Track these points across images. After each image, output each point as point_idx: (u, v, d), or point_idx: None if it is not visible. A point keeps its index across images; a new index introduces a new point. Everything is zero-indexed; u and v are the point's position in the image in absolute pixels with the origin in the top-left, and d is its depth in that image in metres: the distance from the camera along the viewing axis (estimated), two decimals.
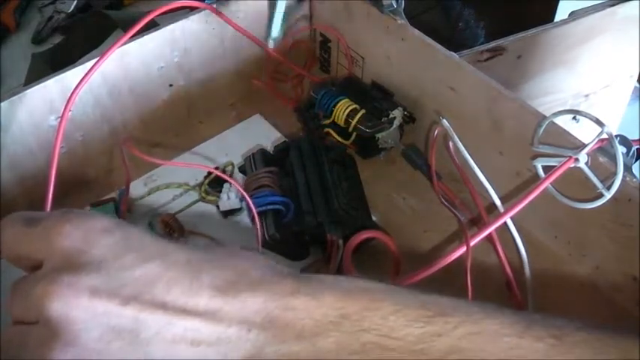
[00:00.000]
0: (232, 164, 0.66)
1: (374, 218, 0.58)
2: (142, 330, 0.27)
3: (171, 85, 0.66)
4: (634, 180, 0.47)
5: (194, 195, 0.65)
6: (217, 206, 0.62)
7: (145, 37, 0.60)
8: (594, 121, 0.47)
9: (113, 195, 0.64)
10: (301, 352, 0.28)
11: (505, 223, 0.53)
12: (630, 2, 0.71)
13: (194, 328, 0.27)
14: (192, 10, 0.63)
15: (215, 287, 0.28)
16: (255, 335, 0.28)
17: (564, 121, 0.50)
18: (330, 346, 0.27)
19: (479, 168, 0.56)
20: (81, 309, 0.27)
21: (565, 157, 0.49)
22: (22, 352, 0.28)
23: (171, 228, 0.62)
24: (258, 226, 0.55)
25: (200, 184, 0.64)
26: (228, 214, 0.62)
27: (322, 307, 0.28)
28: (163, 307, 0.27)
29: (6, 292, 0.30)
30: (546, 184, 0.50)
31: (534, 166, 0.52)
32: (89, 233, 0.29)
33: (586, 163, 0.48)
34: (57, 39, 0.90)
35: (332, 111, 0.62)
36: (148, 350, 0.27)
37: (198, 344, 0.27)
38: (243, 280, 0.29)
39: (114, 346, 0.27)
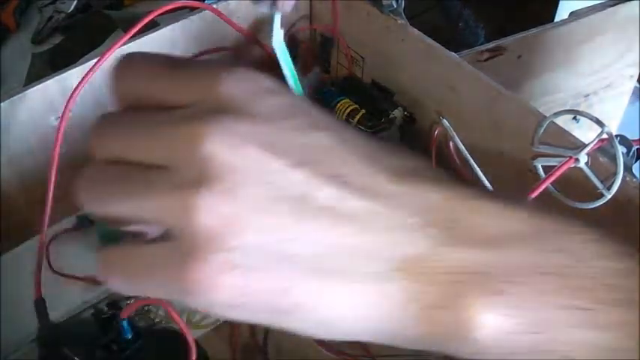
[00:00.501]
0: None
1: None
2: (311, 200, 0.23)
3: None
4: (634, 180, 0.47)
5: None
6: None
7: (145, 37, 0.60)
8: (594, 121, 0.47)
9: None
10: (483, 262, 0.24)
11: None
12: (630, 2, 0.71)
13: (369, 210, 0.24)
14: (192, 10, 0.63)
15: (394, 171, 0.25)
16: (435, 232, 0.24)
17: (564, 121, 0.50)
18: (519, 260, 0.24)
19: (479, 168, 0.56)
20: (247, 158, 0.23)
21: (565, 157, 0.49)
22: (140, 194, 0.24)
23: None
24: None
25: None
26: None
27: (513, 218, 0.25)
28: (338, 179, 0.24)
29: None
30: (546, 184, 0.50)
31: (534, 166, 0.52)
32: (256, 87, 0.25)
33: (586, 163, 0.48)
34: (57, 39, 0.90)
35: (332, 111, 0.62)
36: (313, 220, 0.23)
37: (375, 229, 0.24)
38: (423, 171, 0.25)
39: (275, 209, 0.23)
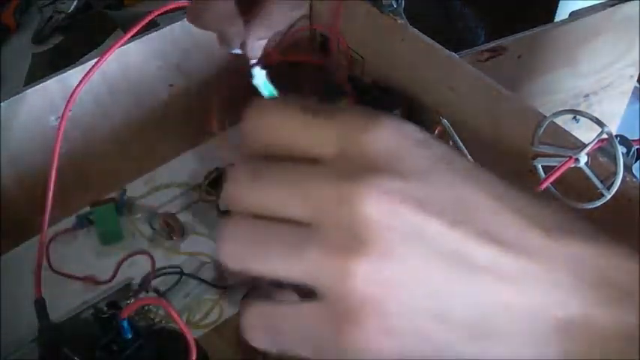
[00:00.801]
0: (232, 164, 0.66)
1: None
2: (468, 260, 0.23)
3: (171, 85, 0.66)
4: (634, 180, 0.47)
5: (194, 195, 0.65)
6: (217, 206, 0.62)
7: (145, 37, 0.60)
8: (594, 121, 0.47)
9: (113, 195, 0.64)
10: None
11: None
12: (630, 2, 0.71)
13: (525, 269, 0.23)
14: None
15: (546, 226, 0.24)
16: (591, 293, 0.23)
17: (564, 121, 0.50)
18: None
19: None
20: (403, 221, 0.22)
21: (565, 157, 0.49)
22: (287, 254, 0.23)
23: (171, 228, 0.62)
24: None
25: (200, 184, 0.64)
26: (228, 213, 0.62)
27: None
28: (493, 237, 0.23)
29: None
30: (546, 184, 0.50)
31: (534, 166, 0.52)
32: (405, 139, 0.24)
33: (586, 163, 0.48)
34: (57, 39, 0.90)
35: None
36: (470, 281, 0.23)
37: (531, 289, 0.23)
38: (573, 225, 0.25)
39: (432, 272, 0.22)
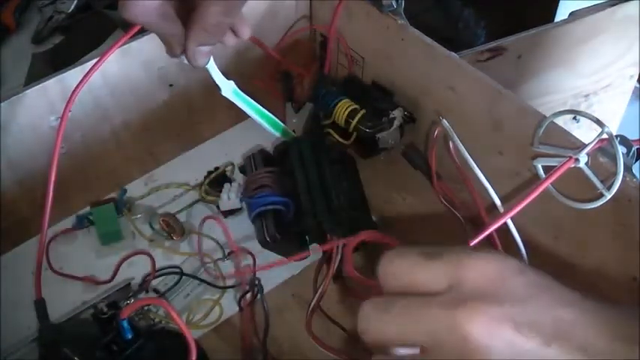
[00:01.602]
0: (232, 164, 0.66)
1: (374, 218, 0.58)
2: None
3: (171, 86, 0.66)
4: (634, 180, 0.47)
5: (194, 195, 0.65)
6: (217, 206, 0.62)
7: (145, 37, 0.60)
8: (594, 122, 0.47)
9: (113, 195, 0.64)
10: None
11: (505, 224, 0.53)
12: (630, 2, 0.71)
13: None
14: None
15: (629, 339, 0.28)
16: None
17: (564, 121, 0.50)
18: None
19: (479, 168, 0.56)
20: (503, 340, 0.27)
21: (565, 157, 0.49)
22: None
23: (171, 228, 0.62)
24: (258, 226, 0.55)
25: (200, 184, 0.64)
26: (228, 214, 0.62)
27: None
28: (584, 351, 0.27)
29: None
30: (546, 184, 0.50)
31: (534, 166, 0.52)
32: (500, 270, 0.30)
33: (586, 164, 0.48)
34: (57, 39, 0.90)
35: (332, 111, 0.62)
36: None
37: None
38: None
39: None
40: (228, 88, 0.56)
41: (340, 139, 0.63)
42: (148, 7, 0.39)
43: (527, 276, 0.30)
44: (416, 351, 0.30)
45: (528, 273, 0.30)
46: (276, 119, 0.62)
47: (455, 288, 0.30)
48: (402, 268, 0.33)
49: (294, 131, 0.64)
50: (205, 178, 0.63)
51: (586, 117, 0.48)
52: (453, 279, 0.30)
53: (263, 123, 0.61)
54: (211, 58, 0.49)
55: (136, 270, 0.59)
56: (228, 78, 0.57)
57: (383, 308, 0.31)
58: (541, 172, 0.52)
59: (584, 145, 0.48)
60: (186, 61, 0.44)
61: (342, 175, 0.59)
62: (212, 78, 0.54)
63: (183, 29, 0.41)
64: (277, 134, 0.62)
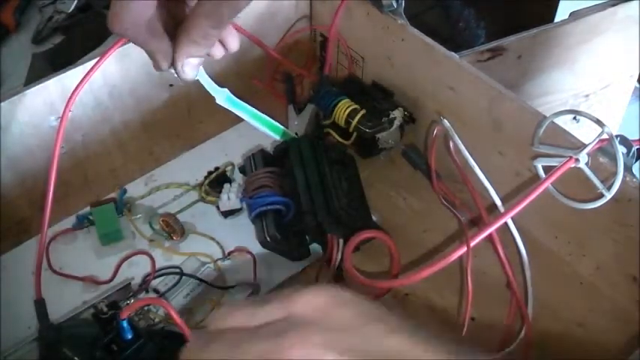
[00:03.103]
0: (232, 164, 0.66)
1: (374, 218, 0.58)
2: None
3: (171, 85, 0.66)
4: (634, 180, 0.47)
5: (194, 195, 0.65)
6: (217, 206, 0.62)
7: None
8: (594, 122, 0.47)
9: (113, 195, 0.64)
10: None
11: (505, 223, 0.53)
12: (630, 2, 0.71)
13: None
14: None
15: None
16: None
17: (564, 121, 0.50)
18: None
19: (479, 168, 0.56)
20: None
21: (565, 157, 0.49)
22: None
23: (171, 228, 0.62)
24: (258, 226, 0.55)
25: (200, 184, 0.64)
26: (228, 214, 0.62)
27: None
28: None
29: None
30: (546, 184, 0.50)
31: (534, 166, 0.52)
32: (332, 301, 0.32)
33: (586, 164, 0.48)
34: (57, 39, 0.90)
35: (332, 111, 0.62)
36: None
37: None
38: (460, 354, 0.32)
39: None
40: (222, 96, 0.56)
41: (340, 139, 0.63)
42: (136, 21, 0.39)
43: (357, 307, 0.32)
44: None
45: (359, 304, 0.32)
46: (275, 122, 0.62)
47: (283, 320, 0.31)
48: (237, 322, 0.34)
49: (296, 134, 0.64)
50: (205, 178, 0.63)
51: (586, 117, 0.48)
52: (284, 314, 0.32)
53: (261, 127, 0.61)
54: (201, 68, 0.49)
55: (136, 270, 0.59)
56: (227, 79, 0.57)
57: (208, 339, 0.33)
58: (541, 172, 0.52)
59: (585, 145, 0.48)
60: (175, 75, 0.44)
61: (342, 175, 0.59)
62: (205, 88, 0.54)
63: (170, 43, 0.41)
64: (277, 137, 0.62)
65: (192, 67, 0.43)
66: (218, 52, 0.47)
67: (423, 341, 0.31)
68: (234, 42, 0.47)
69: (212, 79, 0.54)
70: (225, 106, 0.57)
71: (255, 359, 0.30)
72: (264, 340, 0.30)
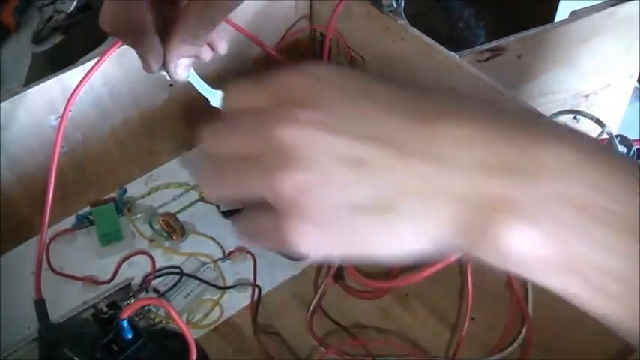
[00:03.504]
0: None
1: None
2: (358, 158, 0.28)
3: (171, 85, 0.66)
4: None
5: (194, 195, 0.65)
6: (217, 206, 0.62)
7: None
8: (594, 122, 0.47)
9: (113, 195, 0.64)
10: (511, 191, 0.27)
11: None
12: (630, 2, 0.71)
13: (396, 155, 0.28)
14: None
15: (423, 118, 0.29)
16: (466, 170, 0.28)
17: (564, 121, 0.50)
18: (546, 192, 0.27)
19: None
20: (309, 140, 0.28)
21: None
22: (242, 180, 0.31)
23: (171, 228, 0.62)
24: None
25: None
26: (228, 214, 0.62)
27: (546, 152, 0.27)
28: (372, 138, 0.28)
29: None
30: None
31: None
32: (309, 80, 0.31)
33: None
34: (57, 39, 0.90)
35: None
36: (364, 175, 0.28)
37: (406, 167, 0.28)
38: (446, 112, 0.30)
39: (336, 172, 0.28)
40: (217, 98, 0.56)
41: None
42: (127, 21, 0.39)
43: (332, 80, 0.31)
44: None
45: (333, 77, 0.31)
46: None
47: (272, 103, 0.31)
48: (238, 94, 0.35)
49: None
50: None
51: (586, 117, 0.48)
52: (272, 95, 0.31)
53: None
54: (192, 70, 0.49)
55: (136, 270, 0.59)
56: (227, 80, 0.57)
57: (219, 128, 0.33)
58: None
59: None
60: (167, 77, 0.44)
61: None
62: (197, 90, 0.54)
63: (161, 44, 0.42)
64: None
65: (184, 68, 0.44)
66: (206, 54, 0.47)
67: (387, 101, 0.30)
68: (223, 45, 0.47)
69: (211, 79, 0.54)
70: (220, 108, 0.57)
71: (253, 142, 0.30)
72: (262, 122, 0.30)
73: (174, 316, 0.42)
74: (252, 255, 0.60)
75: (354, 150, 0.28)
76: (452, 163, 0.27)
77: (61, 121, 0.53)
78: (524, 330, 0.51)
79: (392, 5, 0.61)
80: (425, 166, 0.27)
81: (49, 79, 0.56)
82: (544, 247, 0.26)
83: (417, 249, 0.28)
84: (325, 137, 0.28)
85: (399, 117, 0.29)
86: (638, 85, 0.87)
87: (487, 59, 0.69)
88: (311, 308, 0.54)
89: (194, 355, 0.43)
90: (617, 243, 0.25)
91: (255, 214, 0.32)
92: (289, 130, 0.29)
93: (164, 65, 0.43)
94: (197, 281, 0.58)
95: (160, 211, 0.64)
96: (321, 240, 0.29)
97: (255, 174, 0.30)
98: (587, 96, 0.81)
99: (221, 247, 0.61)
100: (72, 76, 0.56)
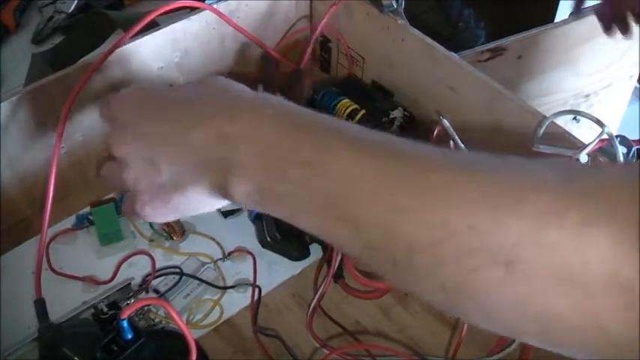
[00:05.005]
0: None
1: None
2: (161, 158, 0.39)
3: (171, 85, 0.66)
4: None
5: None
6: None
7: (145, 37, 0.60)
8: (594, 122, 0.47)
9: (113, 195, 0.64)
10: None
11: None
12: None
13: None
14: (192, 10, 0.63)
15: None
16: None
17: (564, 121, 0.50)
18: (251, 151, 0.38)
19: None
20: (126, 146, 0.40)
21: (565, 157, 0.49)
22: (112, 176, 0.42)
23: (171, 228, 0.62)
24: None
25: None
26: (228, 214, 0.62)
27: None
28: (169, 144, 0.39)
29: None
30: None
31: None
32: (123, 103, 0.42)
33: (586, 164, 0.48)
34: (57, 39, 0.90)
35: (332, 111, 0.62)
36: (166, 169, 0.39)
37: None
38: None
39: (148, 166, 0.40)
40: None
41: None
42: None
43: (137, 104, 0.41)
44: None
45: (139, 101, 0.42)
46: None
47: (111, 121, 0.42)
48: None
49: None
50: None
51: (586, 117, 0.48)
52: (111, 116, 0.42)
53: None
54: None
55: (136, 270, 0.59)
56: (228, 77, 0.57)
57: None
58: None
59: (585, 145, 0.48)
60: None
61: None
62: None
63: None
64: None
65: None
66: None
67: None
68: None
69: None
70: None
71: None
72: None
73: (174, 316, 0.42)
74: (252, 255, 0.60)
75: (148, 152, 0.39)
76: (202, 146, 0.37)
77: (61, 121, 0.53)
78: None
79: (392, 5, 0.61)
80: (187, 153, 0.38)
81: (49, 79, 0.56)
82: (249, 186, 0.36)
83: (215, 205, 0.40)
84: (135, 147, 0.40)
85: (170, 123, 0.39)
86: (638, 85, 0.87)
87: (487, 59, 0.69)
88: (311, 308, 0.54)
89: (194, 355, 0.43)
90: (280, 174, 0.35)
91: (127, 196, 0.42)
92: (118, 148, 0.40)
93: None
94: (197, 281, 0.58)
95: None
96: (153, 210, 0.40)
97: (116, 174, 0.41)
98: (587, 96, 0.81)
99: (221, 247, 0.61)
100: (72, 76, 0.56)
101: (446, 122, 0.59)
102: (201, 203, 0.40)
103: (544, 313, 0.28)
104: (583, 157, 0.48)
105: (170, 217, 0.42)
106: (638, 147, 0.48)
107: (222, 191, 0.38)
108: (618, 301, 0.26)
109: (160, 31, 0.61)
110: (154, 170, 0.39)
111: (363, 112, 0.61)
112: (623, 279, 0.26)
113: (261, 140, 0.36)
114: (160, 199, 0.40)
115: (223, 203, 0.40)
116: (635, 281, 0.26)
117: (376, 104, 0.62)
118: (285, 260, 0.59)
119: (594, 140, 0.47)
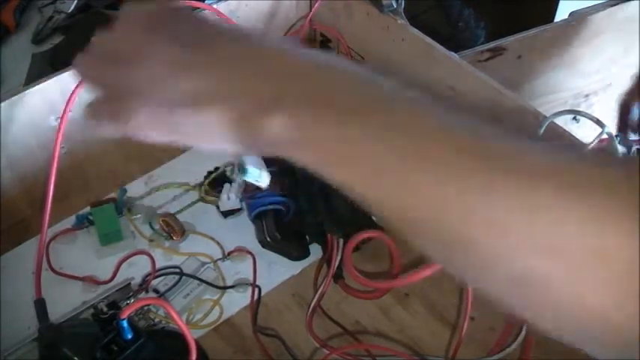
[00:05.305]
0: (232, 164, 0.66)
1: (374, 218, 0.58)
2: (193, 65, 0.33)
3: None
4: None
5: (194, 195, 0.65)
6: (217, 206, 0.62)
7: None
8: (594, 122, 0.47)
9: (113, 195, 0.64)
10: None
11: None
12: (630, 2, 0.71)
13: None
14: (192, 10, 0.63)
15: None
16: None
17: (564, 121, 0.50)
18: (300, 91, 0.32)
19: None
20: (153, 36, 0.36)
21: None
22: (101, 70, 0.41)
23: (171, 228, 0.62)
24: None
25: (200, 184, 0.64)
26: (228, 214, 0.62)
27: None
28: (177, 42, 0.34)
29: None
30: None
31: None
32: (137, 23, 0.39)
33: None
34: (57, 39, 0.90)
35: None
36: (185, 84, 0.33)
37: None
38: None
39: (165, 73, 0.34)
40: (265, 179, 0.55)
41: None
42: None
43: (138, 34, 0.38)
44: None
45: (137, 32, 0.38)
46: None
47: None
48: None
49: None
50: (205, 178, 0.63)
51: (586, 117, 0.48)
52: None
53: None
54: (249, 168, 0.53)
55: (136, 270, 0.59)
56: None
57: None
58: None
59: (585, 145, 0.48)
60: None
61: None
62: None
63: None
64: None
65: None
66: None
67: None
68: None
69: None
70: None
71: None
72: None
73: (174, 316, 0.42)
74: (252, 255, 0.60)
75: (179, 56, 0.33)
76: (240, 76, 0.32)
77: (61, 122, 0.53)
78: (524, 330, 0.51)
79: (392, 5, 0.61)
80: (219, 73, 0.32)
81: (49, 79, 0.56)
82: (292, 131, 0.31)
83: (219, 143, 0.34)
84: (165, 45, 0.34)
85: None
86: None
87: (487, 59, 0.69)
88: (311, 308, 0.54)
89: (194, 355, 0.43)
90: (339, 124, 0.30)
91: (100, 99, 0.38)
92: (139, 34, 0.36)
93: None
94: (197, 281, 0.58)
95: (160, 211, 0.64)
96: (147, 121, 0.34)
97: (111, 67, 0.38)
98: (587, 96, 0.81)
99: (221, 247, 0.61)
100: (72, 76, 0.56)
101: None
102: (206, 133, 0.34)
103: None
104: None
105: (163, 137, 0.36)
106: (638, 147, 0.48)
107: (249, 126, 0.32)
108: None
109: None
110: (177, 78, 0.33)
111: None
112: None
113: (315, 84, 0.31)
114: (163, 110, 0.34)
115: (229, 146, 0.34)
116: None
117: None
118: (285, 260, 0.59)
119: (594, 140, 0.47)
